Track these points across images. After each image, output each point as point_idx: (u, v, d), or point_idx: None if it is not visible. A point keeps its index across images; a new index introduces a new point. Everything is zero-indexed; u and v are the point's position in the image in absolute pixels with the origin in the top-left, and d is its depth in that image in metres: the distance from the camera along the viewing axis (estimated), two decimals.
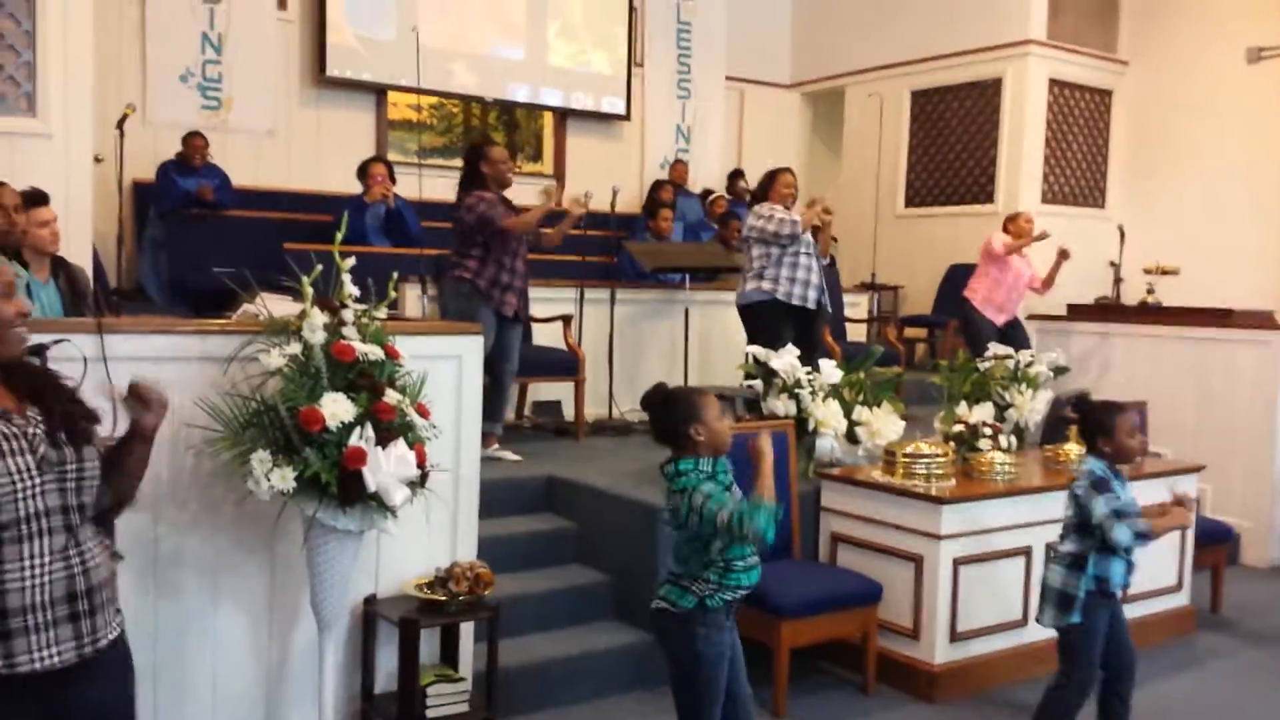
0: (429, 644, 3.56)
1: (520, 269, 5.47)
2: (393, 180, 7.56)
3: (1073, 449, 5.20)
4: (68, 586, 2.03)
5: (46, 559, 2.01)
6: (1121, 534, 3.44)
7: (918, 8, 9.68)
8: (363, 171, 7.56)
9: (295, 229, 7.32)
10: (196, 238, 7.03)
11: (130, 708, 2.26)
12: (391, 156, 8.33)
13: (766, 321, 5.88)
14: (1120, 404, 3.61)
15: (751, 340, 5.79)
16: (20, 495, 1.97)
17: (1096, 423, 3.58)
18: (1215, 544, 5.56)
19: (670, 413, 3.02)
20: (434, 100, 9.06)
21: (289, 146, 8.31)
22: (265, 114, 8.15)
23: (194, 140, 7.22)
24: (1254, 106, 8.38)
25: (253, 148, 8.05)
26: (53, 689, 2.02)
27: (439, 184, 7.41)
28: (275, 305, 3.55)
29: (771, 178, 6.00)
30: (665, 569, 3.12)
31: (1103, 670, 3.67)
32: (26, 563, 1.98)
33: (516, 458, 5.44)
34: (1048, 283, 7.46)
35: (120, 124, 6.71)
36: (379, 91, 8.74)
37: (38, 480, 2.00)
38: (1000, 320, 7.31)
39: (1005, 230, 7.49)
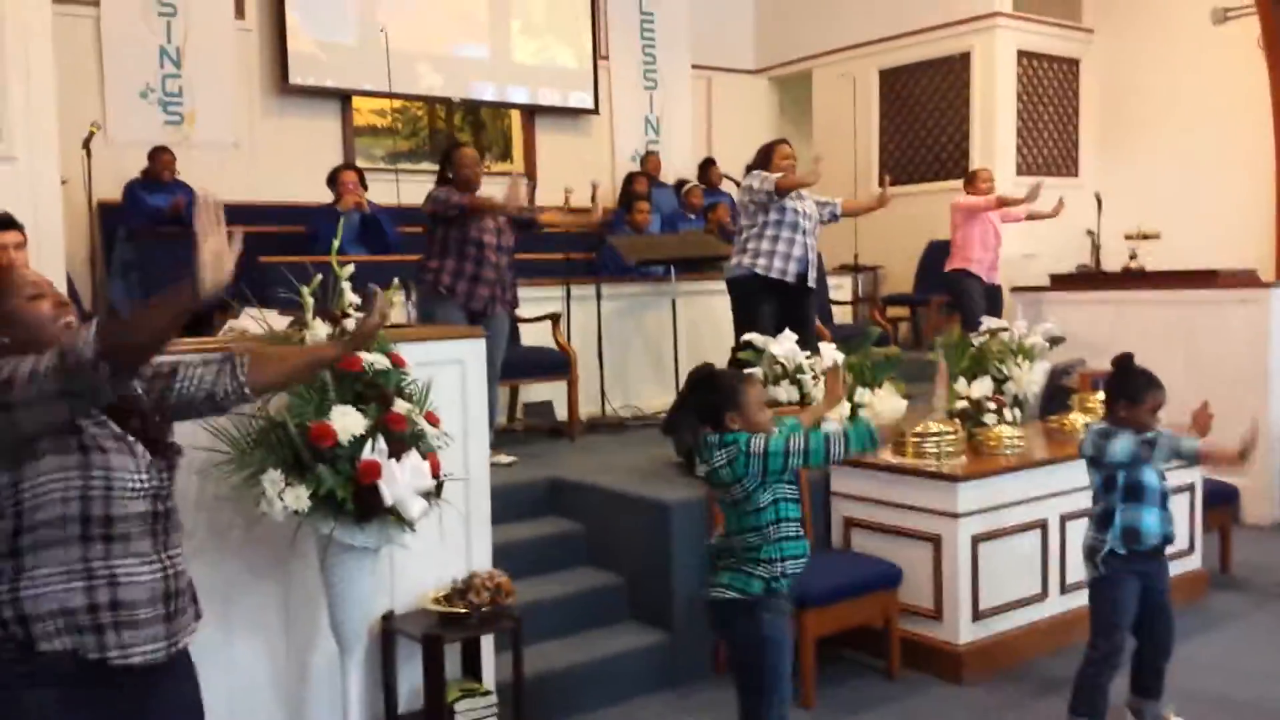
0: (450, 658, 3.45)
1: (491, 259, 5.33)
2: (364, 187, 7.42)
3: (1077, 419, 5.17)
4: (164, 587, 2.11)
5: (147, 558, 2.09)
6: (1176, 446, 3.41)
7: None
8: (333, 180, 7.40)
9: (267, 242, 7.12)
10: (167, 257, 6.85)
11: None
12: (358, 163, 8.19)
13: (744, 296, 5.77)
14: (1155, 380, 3.54)
15: (734, 317, 5.74)
16: (131, 494, 2.05)
17: (1129, 386, 3.51)
18: (1221, 504, 5.55)
19: (709, 395, 2.97)
20: (398, 104, 8.93)
21: (254, 158, 8.14)
22: (228, 126, 7.99)
23: (161, 156, 7.06)
24: (1222, 68, 8.41)
25: (217, 161, 7.87)
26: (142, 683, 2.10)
27: (409, 189, 7.29)
28: (259, 320, 3.44)
29: (769, 148, 5.89)
30: (712, 557, 3.08)
31: (1135, 638, 3.63)
32: (134, 560, 2.06)
33: (511, 459, 5.33)
34: (1029, 214, 7.64)
35: (86, 143, 6.54)
36: (343, 97, 8.59)
37: (142, 480, 2.08)
38: (989, 278, 7.40)
39: (966, 189, 7.63)
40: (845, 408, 4.92)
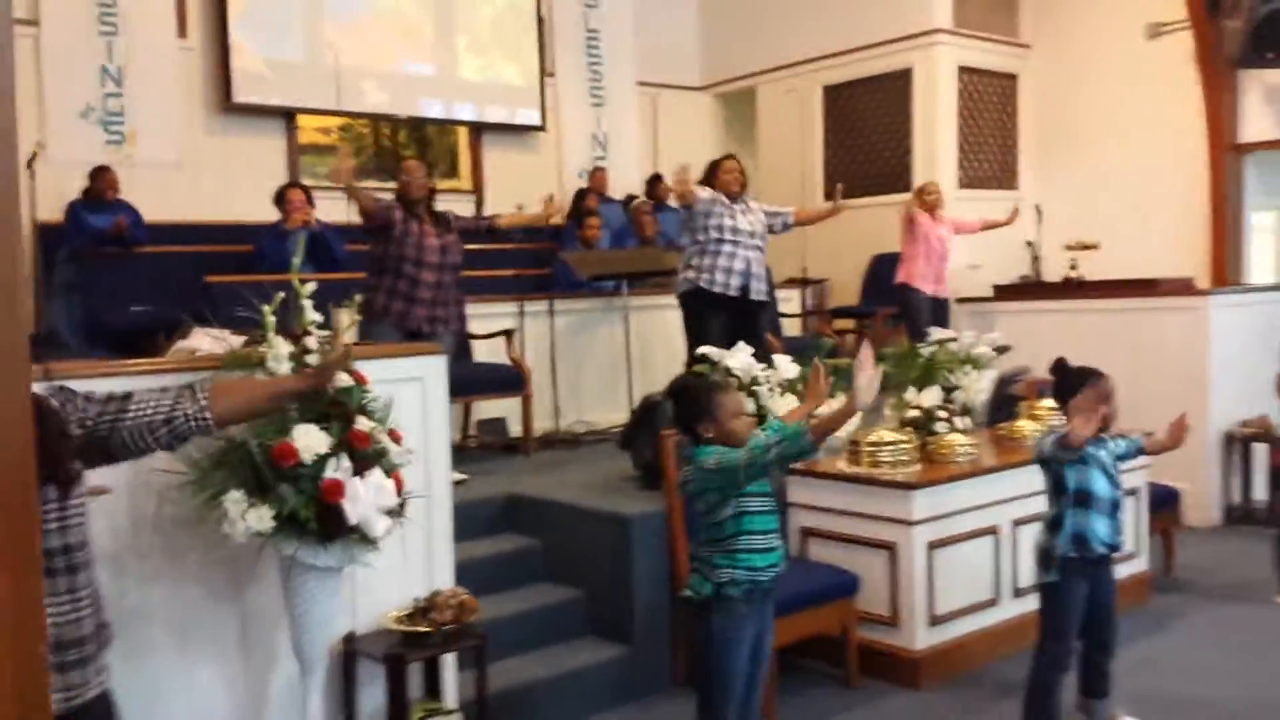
0: (412, 677, 3.43)
1: (428, 278, 5.24)
2: (311, 204, 7.37)
3: (1025, 425, 5.27)
4: (56, 635, 1.93)
5: None
6: (1048, 442, 3.51)
7: (823, 3, 9.77)
8: (280, 198, 7.35)
9: (212, 261, 7.09)
10: (110, 277, 6.77)
11: None
12: (303, 181, 8.13)
13: (693, 311, 5.85)
14: (1094, 371, 3.64)
15: (685, 331, 5.85)
16: None
17: (1070, 387, 3.61)
18: (1164, 508, 5.68)
19: (681, 406, 3.05)
20: (341, 122, 8.88)
21: (197, 177, 8.04)
22: (171, 145, 7.88)
23: (104, 175, 6.95)
24: (1157, 82, 8.64)
25: (160, 181, 7.75)
26: None
27: (352, 207, 7.23)
28: (207, 339, 3.41)
29: (715, 164, 5.97)
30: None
31: (1082, 640, 3.70)
32: None
33: (463, 476, 5.30)
34: (985, 226, 7.84)
35: (30, 163, 6.42)
36: (287, 115, 8.52)
37: None
38: (934, 291, 7.50)
39: (915, 201, 7.77)
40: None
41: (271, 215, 7.35)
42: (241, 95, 8.15)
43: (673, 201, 6.10)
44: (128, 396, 2.24)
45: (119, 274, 6.80)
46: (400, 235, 5.23)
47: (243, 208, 7.86)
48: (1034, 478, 3.82)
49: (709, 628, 3.04)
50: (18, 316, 1.03)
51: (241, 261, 7.05)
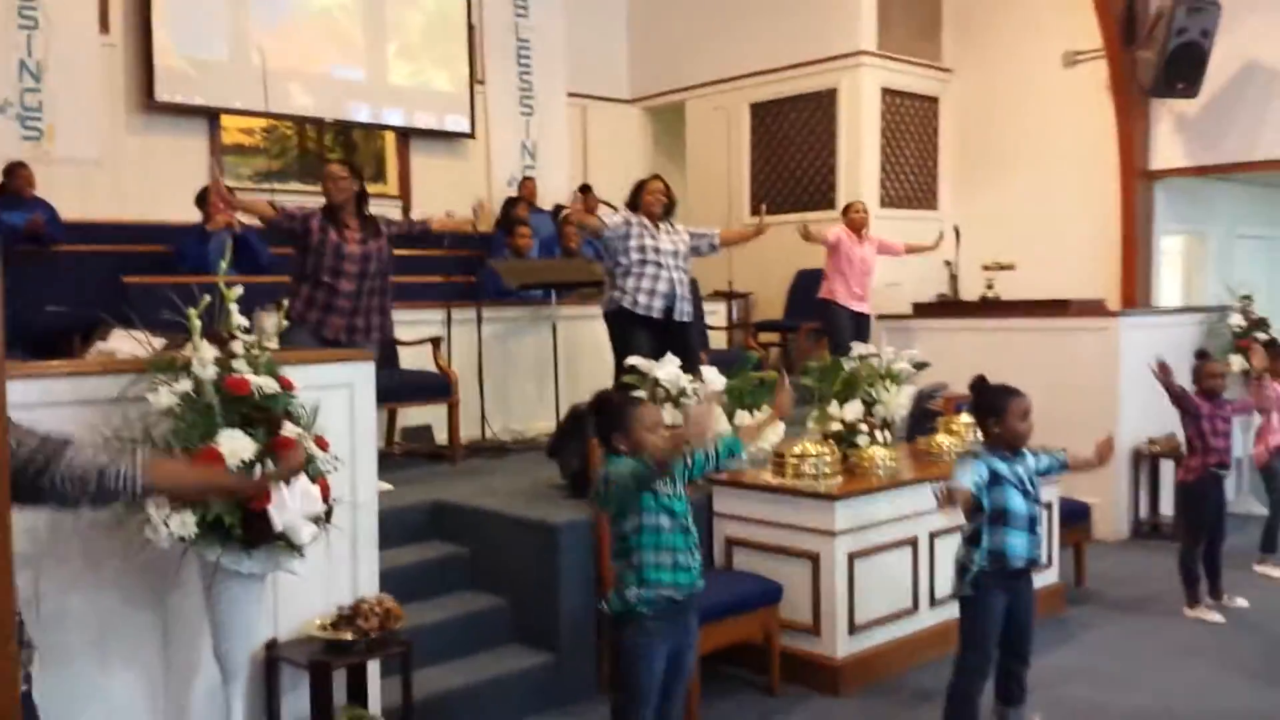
0: (337, 685, 3.40)
1: (346, 288, 5.12)
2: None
3: (943, 440, 5.40)
4: None
5: None
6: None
7: (751, 23, 9.91)
8: (202, 199, 7.23)
9: (132, 262, 6.92)
10: (25, 276, 6.57)
11: None
12: (226, 182, 7.99)
13: (619, 329, 5.87)
14: (1013, 389, 3.74)
15: (613, 349, 5.87)
16: None
17: (989, 404, 3.70)
18: (1075, 522, 5.85)
19: (598, 419, 3.09)
20: (266, 123, 8.76)
21: (118, 175, 7.88)
22: (91, 143, 7.71)
23: (19, 171, 6.78)
24: (1072, 108, 8.92)
25: (79, 179, 7.59)
26: None
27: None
28: (128, 341, 3.36)
29: (639, 186, 6.01)
30: None
31: (999, 649, 3.79)
32: None
33: (388, 486, 5.25)
34: (909, 250, 8.06)
35: None
36: (211, 115, 8.39)
37: None
38: (855, 307, 7.64)
39: (844, 222, 7.96)
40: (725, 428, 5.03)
41: (193, 216, 7.22)
42: (164, 94, 8.01)
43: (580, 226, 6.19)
44: (68, 443, 2.22)
45: (35, 273, 6.62)
46: (317, 244, 5.13)
47: (164, 208, 7.72)
48: None
49: (622, 640, 3.10)
50: None
51: (160, 262, 6.93)
